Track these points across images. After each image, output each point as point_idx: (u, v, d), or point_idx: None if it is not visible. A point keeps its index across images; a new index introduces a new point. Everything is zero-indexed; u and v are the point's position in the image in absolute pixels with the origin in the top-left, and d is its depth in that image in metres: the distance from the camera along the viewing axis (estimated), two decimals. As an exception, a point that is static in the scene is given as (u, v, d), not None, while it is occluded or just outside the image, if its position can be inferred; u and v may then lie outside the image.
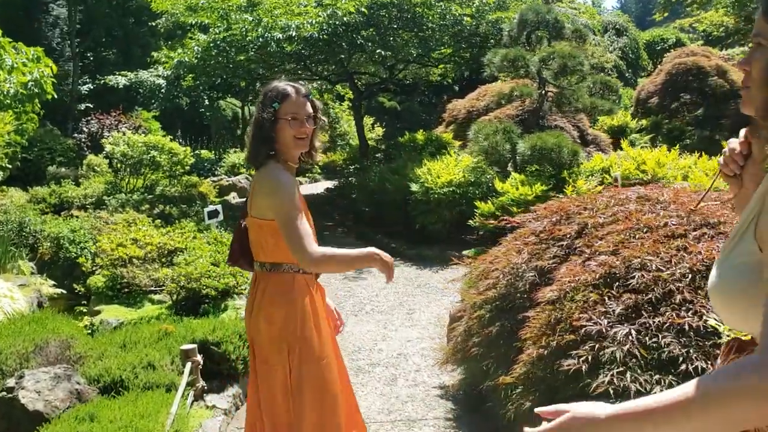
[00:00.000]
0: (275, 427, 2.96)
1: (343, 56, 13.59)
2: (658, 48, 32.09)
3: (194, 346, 5.06)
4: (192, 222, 9.69)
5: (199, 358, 5.06)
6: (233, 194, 17.48)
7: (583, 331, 3.23)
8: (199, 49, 12.63)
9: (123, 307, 7.77)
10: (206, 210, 9.02)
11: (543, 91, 10.94)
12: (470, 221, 9.69)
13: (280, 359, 2.92)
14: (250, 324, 3.04)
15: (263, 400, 2.98)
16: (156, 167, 14.63)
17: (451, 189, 9.93)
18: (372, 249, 2.91)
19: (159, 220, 10.28)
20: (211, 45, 12.39)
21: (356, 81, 15.83)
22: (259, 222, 2.91)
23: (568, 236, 4.13)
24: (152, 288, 7.67)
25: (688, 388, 1.15)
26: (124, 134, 14.90)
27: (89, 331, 7.44)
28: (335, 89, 21.35)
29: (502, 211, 9.40)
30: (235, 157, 20.30)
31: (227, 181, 18.14)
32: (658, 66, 23.57)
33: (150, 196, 13.27)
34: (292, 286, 2.93)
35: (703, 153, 10.64)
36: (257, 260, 3.02)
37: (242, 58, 13.26)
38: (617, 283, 3.46)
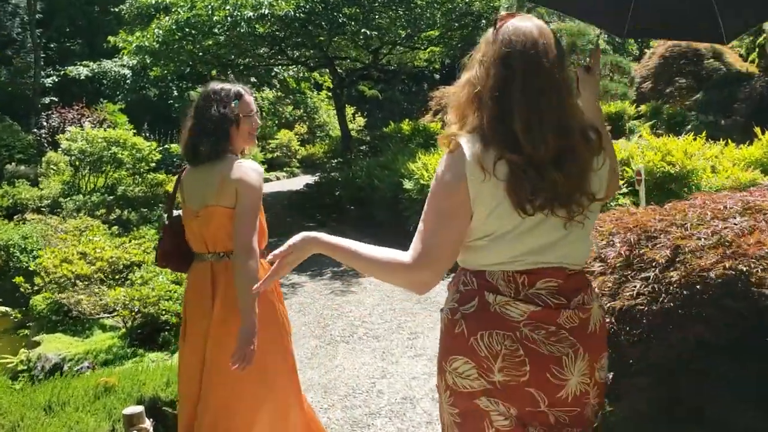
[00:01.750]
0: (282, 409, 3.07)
1: (322, 38, 12.26)
2: (644, 31, 31.19)
3: (141, 409, 3.82)
4: (153, 229, 8.42)
5: (147, 424, 3.82)
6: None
7: None
8: (160, 32, 11.24)
9: (68, 336, 6.52)
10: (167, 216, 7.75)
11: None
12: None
13: (276, 348, 3.03)
14: (220, 319, 2.94)
15: (250, 390, 2.98)
16: (118, 165, 13.31)
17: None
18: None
19: (116, 227, 8.99)
20: (174, 27, 11.02)
21: (337, 67, 14.51)
22: (230, 211, 2.91)
23: (655, 265, 2.95)
24: (100, 315, 6.40)
25: (369, 252, 1.83)
26: (82, 129, 13.57)
27: (24, 368, 6.21)
28: (313, 77, 20.03)
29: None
30: (207, 151, 18.94)
31: (198, 177, 16.81)
32: (651, 49, 22.55)
33: (110, 198, 11.95)
34: (262, 271, 2.93)
35: (728, 141, 9.53)
36: (218, 251, 2.99)
37: (210, 42, 11.92)
38: None
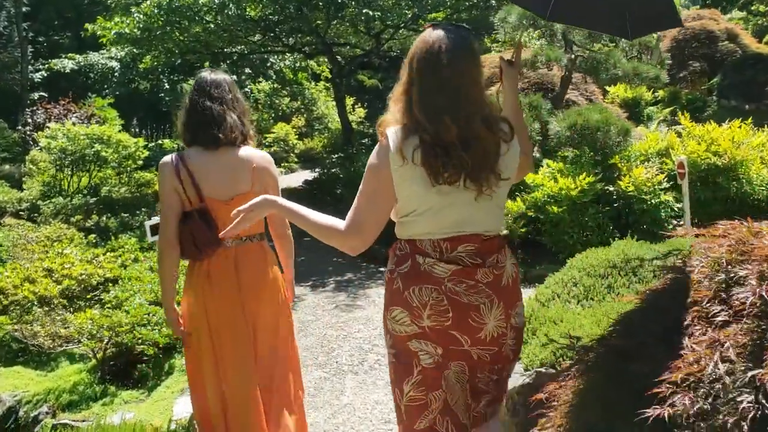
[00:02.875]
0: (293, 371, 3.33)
1: (320, 23, 11.26)
2: (652, 14, 30.23)
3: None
4: (134, 237, 7.45)
5: None
6: (197, 191, 15.02)
7: None
8: (142, 17, 10.23)
9: (29, 369, 5.59)
10: (148, 224, 6.76)
11: (572, 56, 8.77)
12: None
13: (288, 309, 3.33)
14: (259, 294, 3.14)
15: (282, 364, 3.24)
16: (103, 163, 12.32)
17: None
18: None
19: (94, 235, 8.04)
20: (156, 12, 10.00)
21: (336, 54, 13.47)
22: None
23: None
24: (63, 348, 5.45)
25: (315, 217, 2.23)
26: (63, 125, 12.57)
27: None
28: (310, 66, 19.02)
29: (537, 211, 7.29)
30: (200, 146, 17.73)
31: (189, 175, 15.68)
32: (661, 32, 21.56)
33: (93, 200, 10.99)
34: (264, 251, 3.26)
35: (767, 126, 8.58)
36: (242, 236, 3.11)
37: (198, 29, 10.93)
38: None
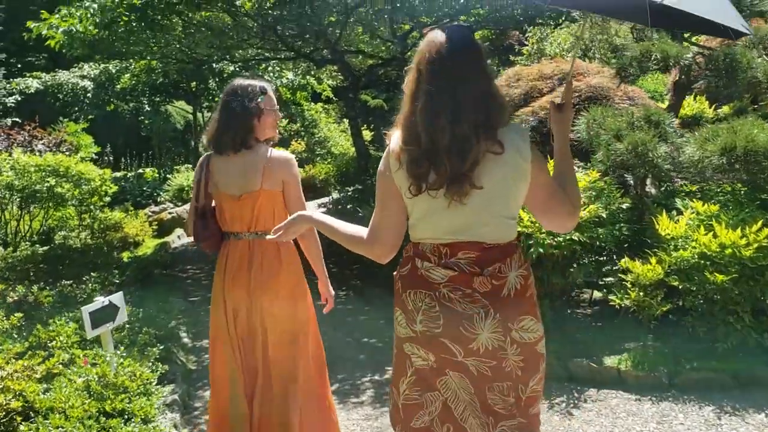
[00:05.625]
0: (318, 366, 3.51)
1: (333, 19, 8.69)
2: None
3: None
4: (74, 323, 4.94)
5: None
6: (178, 233, 12.40)
7: None
8: (96, 6, 7.70)
9: None
10: (86, 310, 4.27)
11: (693, 54, 6.36)
12: (613, 296, 5.11)
13: (306, 305, 3.41)
14: (268, 293, 3.28)
15: (303, 355, 3.38)
16: (60, 201, 9.82)
17: (567, 238, 5.25)
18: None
19: (20, 314, 5.49)
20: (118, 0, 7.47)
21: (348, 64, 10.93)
22: (273, 193, 3.29)
23: None
24: None
25: (344, 227, 2.34)
26: (10, 155, 10.10)
27: None
28: (310, 84, 16.60)
29: (682, 278, 4.82)
30: (184, 177, 15.13)
31: (170, 212, 13.03)
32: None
33: (42, 250, 8.47)
34: (291, 251, 3.40)
35: None
36: (257, 230, 3.31)
37: (178, 31, 8.49)
38: None
